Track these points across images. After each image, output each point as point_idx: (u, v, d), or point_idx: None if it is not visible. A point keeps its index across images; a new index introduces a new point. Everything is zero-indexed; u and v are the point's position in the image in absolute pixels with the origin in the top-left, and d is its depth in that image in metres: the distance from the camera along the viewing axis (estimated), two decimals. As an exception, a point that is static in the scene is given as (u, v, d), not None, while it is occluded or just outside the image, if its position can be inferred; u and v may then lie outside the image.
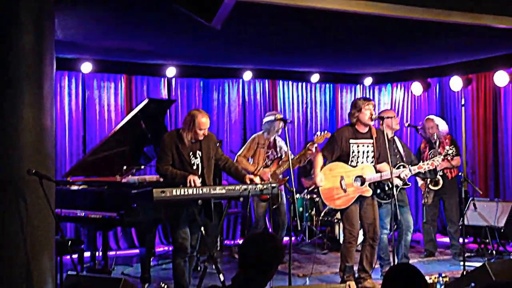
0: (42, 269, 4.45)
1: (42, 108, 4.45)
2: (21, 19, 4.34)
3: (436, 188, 7.35)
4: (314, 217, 8.41)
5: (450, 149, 7.23)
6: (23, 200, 4.33)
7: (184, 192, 4.86)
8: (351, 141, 5.78)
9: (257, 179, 5.36)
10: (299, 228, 8.39)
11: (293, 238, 8.91)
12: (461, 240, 7.44)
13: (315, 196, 8.43)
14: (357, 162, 5.80)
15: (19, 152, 4.32)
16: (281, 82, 9.65)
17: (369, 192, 5.80)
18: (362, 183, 5.77)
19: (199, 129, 5.23)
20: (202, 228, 5.09)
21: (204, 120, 5.24)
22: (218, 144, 5.64)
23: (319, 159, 5.86)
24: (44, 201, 4.31)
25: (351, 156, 5.78)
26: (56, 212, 5.14)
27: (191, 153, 5.31)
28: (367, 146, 5.82)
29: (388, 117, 6.07)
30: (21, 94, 4.35)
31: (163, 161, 5.26)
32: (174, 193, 4.79)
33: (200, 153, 5.35)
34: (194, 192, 4.91)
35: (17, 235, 4.32)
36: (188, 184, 5.03)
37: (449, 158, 6.91)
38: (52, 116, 4.59)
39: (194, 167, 5.31)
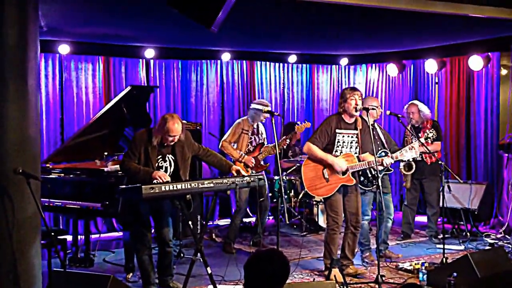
0: (30, 265, 4.42)
1: (28, 105, 4.36)
2: (4, 12, 4.23)
3: (409, 172, 7.38)
4: (292, 198, 8.47)
5: (430, 132, 7.36)
6: (8, 199, 4.27)
7: (174, 187, 4.84)
8: (337, 130, 5.77)
9: (243, 171, 5.40)
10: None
11: (271, 218, 9.04)
12: (439, 224, 7.65)
13: (293, 177, 8.50)
14: (341, 152, 5.80)
15: (4, 151, 4.25)
16: (258, 63, 9.65)
17: (352, 181, 5.82)
18: (344, 173, 5.81)
19: (169, 135, 5.15)
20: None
21: (175, 127, 5.12)
22: (195, 143, 5.57)
23: (317, 150, 5.76)
24: (30, 198, 4.26)
25: (335, 145, 5.79)
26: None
27: (160, 156, 5.27)
28: (351, 137, 5.82)
29: (373, 108, 6.10)
30: (5, 92, 4.25)
31: (129, 158, 5.22)
32: (163, 189, 4.77)
33: (171, 157, 5.31)
34: (183, 187, 4.90)
35: (4, 233, 4.29)
36: (157, 180, 4.96)
37: (429, 142, 7.00)
38: (37, 113, 4.51)
39: (162, 170, 5.25)
